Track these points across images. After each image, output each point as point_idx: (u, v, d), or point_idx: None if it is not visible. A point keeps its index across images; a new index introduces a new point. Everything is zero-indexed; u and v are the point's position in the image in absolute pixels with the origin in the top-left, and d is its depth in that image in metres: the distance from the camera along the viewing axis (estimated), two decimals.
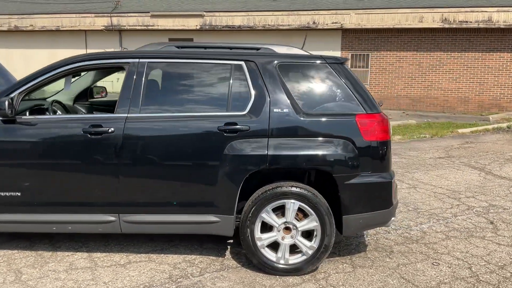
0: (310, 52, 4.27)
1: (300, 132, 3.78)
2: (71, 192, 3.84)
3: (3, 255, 4.11)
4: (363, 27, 17.59)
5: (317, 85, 3.90)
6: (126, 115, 3.79)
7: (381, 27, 17.44)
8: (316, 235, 3.81)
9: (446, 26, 16.59)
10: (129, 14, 19.51)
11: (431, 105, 17.77)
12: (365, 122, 3.79)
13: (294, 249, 3.88)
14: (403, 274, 3.93)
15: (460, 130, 12.73)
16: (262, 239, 3.82)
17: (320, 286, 3.69)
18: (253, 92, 3.81)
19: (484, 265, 4.17)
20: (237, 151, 3.72)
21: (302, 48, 4.48)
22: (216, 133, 3.73)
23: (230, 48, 4.12)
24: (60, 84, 4.97)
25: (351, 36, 18.18)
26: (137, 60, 3.89)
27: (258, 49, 4.06)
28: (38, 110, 4.36)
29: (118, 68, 3.99)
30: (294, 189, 3.74)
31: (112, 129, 3.75)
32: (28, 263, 3.97)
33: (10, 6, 21.54)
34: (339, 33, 18.19)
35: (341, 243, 4.59)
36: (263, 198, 3.75)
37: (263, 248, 3.84)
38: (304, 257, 3.84)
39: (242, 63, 3.87)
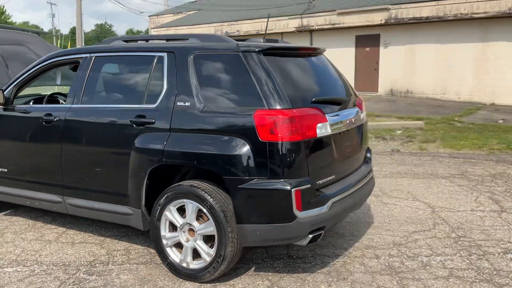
0: None
1: (197, 127, 3.48)
2: (35, 172, 4.39)
3: (14, 220, 4.94)
4: None
5: (226, 77, 3.50)
6: (70, 105, 4.13)
7: None
8: (215, 242, 3.45)
9: None
10: (318, 14, 19.81)
11: None
12: (263, 119, 3.23)
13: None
14: None
15: None
16: (167, 237, 3.65)
17: None
18: (165, 85, 3.67)
19: None
20: (142, 144, 3.66)
21: (263, 41, 4.05)
22: (128, 125, 3.74)
23: (167, 39, 4.03)
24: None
25: None
26: (88, 54, 4.18)
27: (187, 39, 3.86)
28: (52, 100, 5.03)
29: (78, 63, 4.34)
30: (192, 188, 3.46)
31: (58, 118, 4.14)
32: (19, 229, 4.70)
33: (222, 14, 24.38)
34: None
35: (301, 259, 3.98)
36: (165, 195, 3.59)
37: (169, 247, 3.66)
38: (203, 264, 3.52)
39: (164, 54, 3.76)
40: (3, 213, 5.15)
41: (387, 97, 18.69)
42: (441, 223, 4.85)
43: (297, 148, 3.25)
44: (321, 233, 3.45)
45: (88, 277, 3.68)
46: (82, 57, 4.21)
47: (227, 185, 3.34)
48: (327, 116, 3.52)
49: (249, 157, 3.26)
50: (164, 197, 3.59)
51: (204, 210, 3.43)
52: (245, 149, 3.27)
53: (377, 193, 5.91)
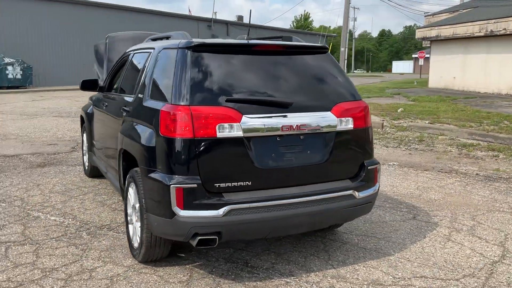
0: None
1: (138, 117, 3.79)
2: (99, 146, 5.41)
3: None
4: None
5: (166, 72, 3.64)
6: (114, 94, 4.96)
7: None
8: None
9: None
10: None
11: None
12: (164, 114, 3.29)
13: None
14: None
15: None
16: (128, 214, 4.05)
17: (122, 273, 3.62)
18: (142, 78, 4.04)
19: None
20: (121, 130, 4.14)
21: (247, 38, 3.96)
22: (121, 112, 4.28)
23: (167, 37, 4.32)
24: None
25: None
26: (133, 52, 4.88)
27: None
28: None
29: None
30: (134, 173, 3.75)
31: (106, 104, 5.02)
32: (103, 192, 5.82)
33: (494, 11, 21.47)
34: None
35: (252, 268, 3.76)
36: (127, 177, 3.99)
37: (132, 223, 4.04)
38: (137, 245, 3.79)
39: (152, 51, 4.12)
40: None
41: None
42: (479, 276, 3.64)
43: (186, 146, 3.18)
44: (214, 238, 3.24)
45: (84, 236, 4.42)
46: (130, 54, 4.96)
47: (140, 173, 3.54)
48: (244, 117, 3.26)
49: (151, 150, 3.38)
50: (126, 178, 4.01)
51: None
52: (152, 141, 3.40)
53: (460, 228, 4.73)
